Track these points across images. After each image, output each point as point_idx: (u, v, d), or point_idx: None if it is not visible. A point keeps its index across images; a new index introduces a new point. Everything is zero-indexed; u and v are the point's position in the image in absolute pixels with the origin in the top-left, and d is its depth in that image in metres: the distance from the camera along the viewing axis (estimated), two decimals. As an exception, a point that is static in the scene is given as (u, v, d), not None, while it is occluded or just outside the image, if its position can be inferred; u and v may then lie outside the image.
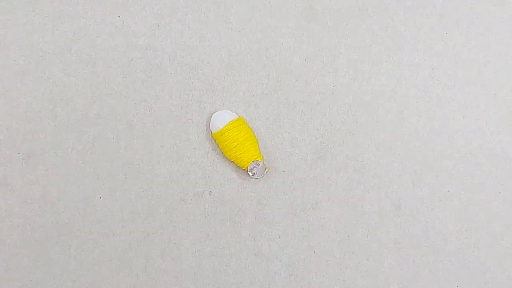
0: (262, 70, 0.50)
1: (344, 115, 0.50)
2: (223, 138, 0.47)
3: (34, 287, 0.47)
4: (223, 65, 0.50)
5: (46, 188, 0.48)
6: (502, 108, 0.51)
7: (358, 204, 0.50)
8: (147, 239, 0.48)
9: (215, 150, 0.49)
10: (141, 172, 0.49)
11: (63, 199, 0.48)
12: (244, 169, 0.48)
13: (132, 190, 0.49)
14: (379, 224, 0.50)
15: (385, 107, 0.50)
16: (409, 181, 0.50)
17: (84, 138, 0.48)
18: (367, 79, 0.50)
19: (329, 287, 0.49)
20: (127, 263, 0.48)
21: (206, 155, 0.49)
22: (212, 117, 0.48)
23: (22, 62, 0.48)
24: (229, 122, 0.47)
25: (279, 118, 0.50)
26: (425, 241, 0.50)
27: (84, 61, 0.49)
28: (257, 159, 0.48)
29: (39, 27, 0.48)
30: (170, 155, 0.49)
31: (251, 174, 0.48)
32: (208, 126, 0.49)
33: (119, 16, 0.49)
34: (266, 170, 0.49)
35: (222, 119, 0.48)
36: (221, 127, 0.47)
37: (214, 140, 0.49)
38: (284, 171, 0.49)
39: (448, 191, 0.50)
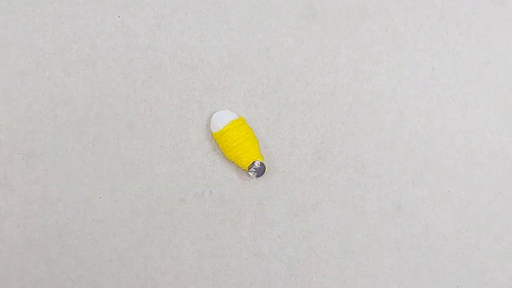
0: (262, 70, 0.50)
1: (344, 115, 0.50)
2: (223, 138, 0.47)
3: (34, 287, 0.47)
4: (223, 65, 0.49)
5: (46, 188, 0.48)
6: (502, 108, 0.51)
7: (358, 204, 0.50)
8: (147, 239, 0.48)
9: (215, 150, 0.49)
10: (141, 172, 0.49)
11: (63, 199, 0.48)
12: (244, 169, 0.48)
13: (132, 190, 0.48)
14: (379, 224, 0.50)
15: (385, 107, 0.50)
16: (409, 181, 0.50)
17: (84, 138, 0.48)
18: (367, 79, 0.50)
19: (329, 287, 0.49)
20: (127, 263, 0.48)
21: (206, 155, 0.49)
22: (212, 117, 0.48)
23: (22, 62, 0.48)
24: (229, 122, 0.47)
25: (279, 118, 0.50)
26: (425, 241, 0.50)
27: (84, 61, 0.49)
28: (257, 159, 0.48)
29: (39, 27, 0.48)
30: (170, 155, 0.49)
31: (251, 174, 0.48)
32: (208, 126, 0.49)
33: (119, 16, 0.49)
34: (266, 170, 0.49)
35: (222, 119, 0.48)
36: (221, 127, 0.47)
37: (214, 140, 0.49)
38: (284, 171, 0.49)
39: (448, 191, 0.50)
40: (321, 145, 0.50)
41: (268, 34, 0.50)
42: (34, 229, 0.48)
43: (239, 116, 0.49)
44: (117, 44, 0.49)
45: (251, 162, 0.48)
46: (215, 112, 0.49)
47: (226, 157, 0.48)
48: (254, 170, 0.48)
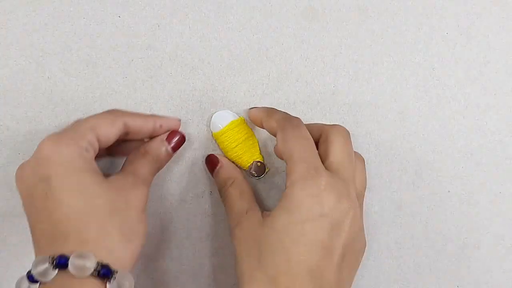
0: (262, 70, 0.50)
1: (344, 115, 0.50)
2: (223, 138, 0.47)
3: (34, 287, 0.47)
4: (223, 65, 0.49)
5: (46, 188, 0.48)
6: (502, 108, 0.51)
7: (358, 204, 0.50)
8: (147, 239, 0.48)
9: (216, 150, 0.49)
10: (141, 172, 0.49)
11: (63, 199, 0.48)
12: (244, 169, 0.48)
13: (132, 190, 0.48)
14: (379, 224, 0.50)
15: (385, 107, 0.50)
16: (409, 181, 0.50)
17: (84, 138, 0.48)
18: (367, 79, 0.50)
19: (329, 287, 0.49)
20: (127, 263, 0.48)
21: (207, 155, 0.49)
22: (213, 117, 0.48)
23: (22, 62, 0.48)
24: (230, 122, 0.47)
25: (279, 118, 0.50)
26: (425, 241, 0.50)
27: (84, 61, 0.49)
28: (258, 159, 0.48)
29: (39, 27, 0.48)
30: (170, 155, 0.49)
31: (251, 174, 0.48)
32: (208, 126, 0.49)
33: (119, 16, 0.49)
34: (267, 170, 0.49)
35: (222, 119, 0.48)
36: (222, 127, 0.47)
37: (215, 140, 0.49)
38: (284, 171, 0.49)
39: (448, 191, 0.50)
40: (321, 145, 0.50)
41: (268, 34, 0.50)
42: (34, 229, 0.48)
43: (239, 116, 0.48)
44: (117, 44, 0.49)
45: (251, 162, 0.48)
46: (215, 112, 0.49)
47: (227, 157, 0.48)
48: (254, 170, 0.48)
